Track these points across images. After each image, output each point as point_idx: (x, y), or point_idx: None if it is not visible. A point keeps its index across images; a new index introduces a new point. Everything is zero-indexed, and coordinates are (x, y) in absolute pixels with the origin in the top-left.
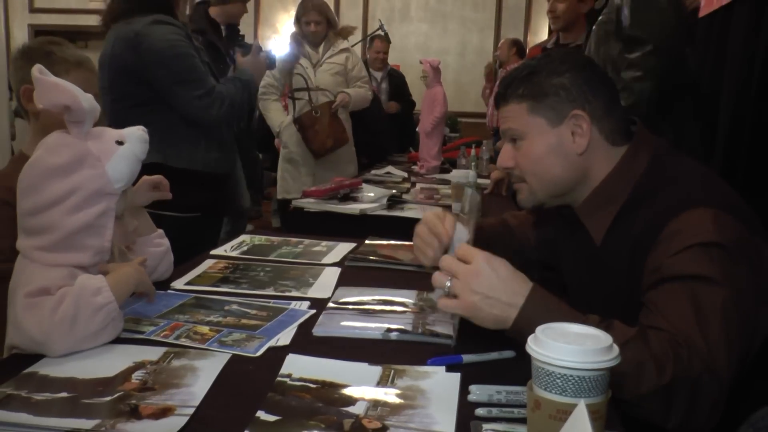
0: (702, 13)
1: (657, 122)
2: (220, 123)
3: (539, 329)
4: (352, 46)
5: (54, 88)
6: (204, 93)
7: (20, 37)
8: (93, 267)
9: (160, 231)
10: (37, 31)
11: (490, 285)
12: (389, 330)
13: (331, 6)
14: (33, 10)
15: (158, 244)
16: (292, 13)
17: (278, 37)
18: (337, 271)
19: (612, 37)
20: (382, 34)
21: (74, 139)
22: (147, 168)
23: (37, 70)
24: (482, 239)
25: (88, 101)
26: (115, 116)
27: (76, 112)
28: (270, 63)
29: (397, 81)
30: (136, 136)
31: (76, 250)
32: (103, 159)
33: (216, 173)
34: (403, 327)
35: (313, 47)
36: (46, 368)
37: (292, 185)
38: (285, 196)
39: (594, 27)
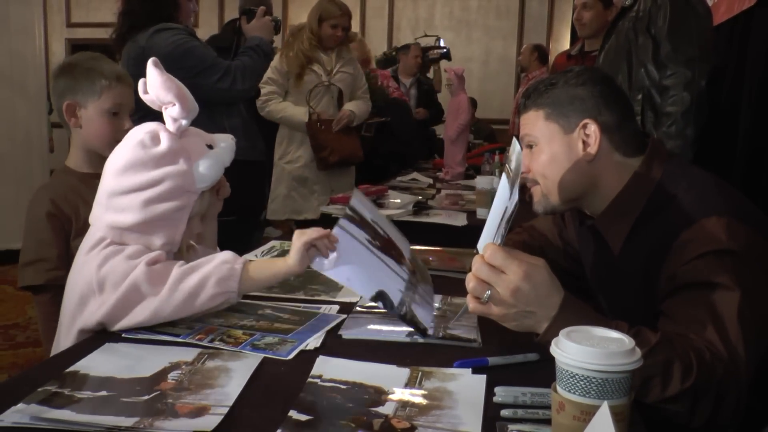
0: (722, 18)
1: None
2: (249, 94)
3: (563, 332)
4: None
5: (166, 82)
6: (222, 75)
7: (58, 50)
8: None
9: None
10: (73, 45)
11: (528, 301)
12: (413, 333)
13: (357, 17)
14: (70, 24)
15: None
16: None
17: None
18: None
19: (643, 35)
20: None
21: (172, 134)
22: None
23: (153, 63)
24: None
25: (192, 102)
26: None
27: (181, 109)
28: (276, 25)
29: (426, 88)
30: (226, 143)
31: (148, 236)
32: (193, 158)
33: (248, 161)
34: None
35: (325, 52)
36: (87, 367)
37: (302, 204)
38: (293, 216)
39: (620, 22)
